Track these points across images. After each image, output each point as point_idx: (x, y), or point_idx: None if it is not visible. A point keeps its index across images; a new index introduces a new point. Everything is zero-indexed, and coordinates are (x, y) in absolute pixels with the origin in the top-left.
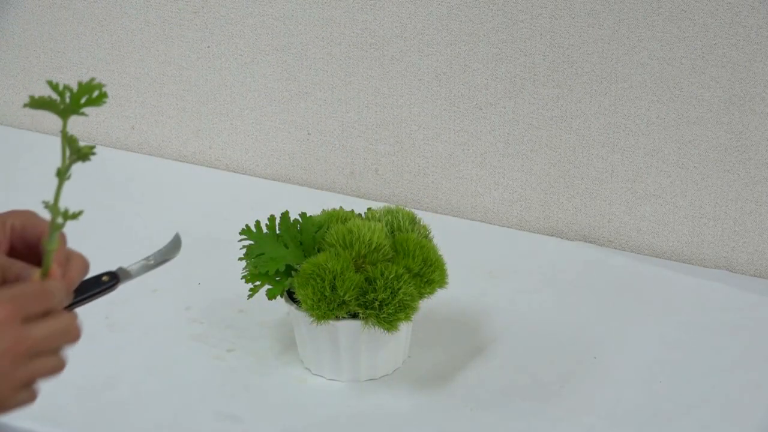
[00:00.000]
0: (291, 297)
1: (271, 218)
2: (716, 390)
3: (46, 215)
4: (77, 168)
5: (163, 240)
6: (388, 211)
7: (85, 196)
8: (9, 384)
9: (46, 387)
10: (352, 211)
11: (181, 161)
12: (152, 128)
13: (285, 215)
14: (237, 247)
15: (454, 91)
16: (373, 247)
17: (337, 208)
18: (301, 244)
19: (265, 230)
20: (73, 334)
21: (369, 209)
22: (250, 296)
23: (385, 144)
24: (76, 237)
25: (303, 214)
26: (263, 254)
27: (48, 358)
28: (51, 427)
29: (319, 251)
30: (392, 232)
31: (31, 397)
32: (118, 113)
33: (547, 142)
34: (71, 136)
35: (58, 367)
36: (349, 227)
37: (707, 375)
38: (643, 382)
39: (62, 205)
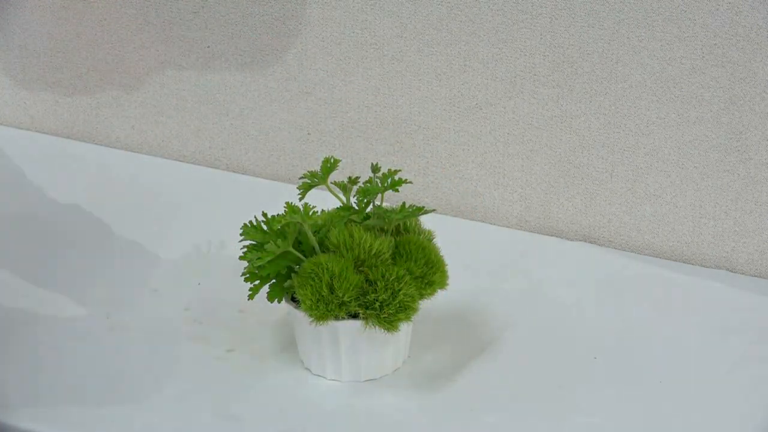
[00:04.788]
0: (291, 297)
1: (273, 218)
2: (716, 390)
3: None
4: (77, 168)
5: (162, 239)
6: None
7: (86, 196)
8: None
9: (46, 387)
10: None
11: (181, 161)
12: (152, 128)
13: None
14: (237, 247)
15: (454, 91)
16: (373, 252)
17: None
18: (300, 244)
19: (265, 228)
20: None
21: (378, 206)
22: (250, 297)
23: (385, 144)
24: (74, 237)
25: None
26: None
27: None
28: (51, 428)
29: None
30: (398, 233)
31: None
32: (118, 113)
33: (547, 142)
34: None
35: None
36: (351, 231)
37: (707, 375)
38: (643, 382)
39: (56, 204)
